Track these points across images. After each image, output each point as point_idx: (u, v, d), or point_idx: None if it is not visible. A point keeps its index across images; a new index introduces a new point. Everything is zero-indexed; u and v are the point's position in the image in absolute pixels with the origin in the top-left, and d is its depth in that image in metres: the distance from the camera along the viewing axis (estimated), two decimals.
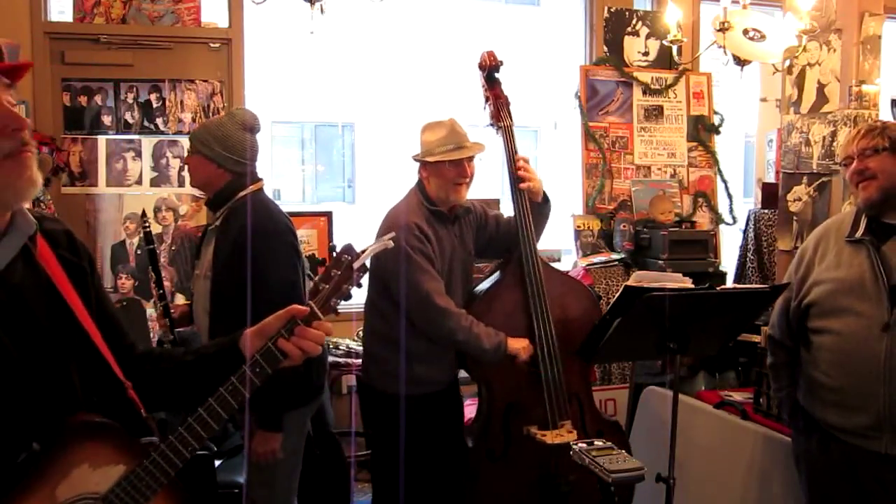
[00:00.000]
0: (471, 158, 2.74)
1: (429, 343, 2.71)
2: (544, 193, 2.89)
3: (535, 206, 2.84)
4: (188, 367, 1.48)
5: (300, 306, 1.41)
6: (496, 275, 2.90)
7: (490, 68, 2.87)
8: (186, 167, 2.81)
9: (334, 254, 1.46)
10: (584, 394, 2.87)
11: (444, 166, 2.70)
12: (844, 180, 3.49)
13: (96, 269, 1.48)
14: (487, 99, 2.87)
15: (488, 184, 3.45)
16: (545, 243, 4.62)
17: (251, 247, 2.42)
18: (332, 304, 1.43)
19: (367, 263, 1.46)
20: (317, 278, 1.44)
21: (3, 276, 1.26)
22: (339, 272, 1.43)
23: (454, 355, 2.82)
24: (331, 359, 3.84)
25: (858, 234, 2.25)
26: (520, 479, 2.74)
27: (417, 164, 2.81)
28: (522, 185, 2.79)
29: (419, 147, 2.78)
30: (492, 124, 2.87)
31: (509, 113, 2.84)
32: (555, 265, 4.35)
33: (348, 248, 1.45)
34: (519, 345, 2.68)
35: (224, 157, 2.56)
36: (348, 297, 1.45)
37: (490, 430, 2.79)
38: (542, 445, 2.66)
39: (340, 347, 3.93)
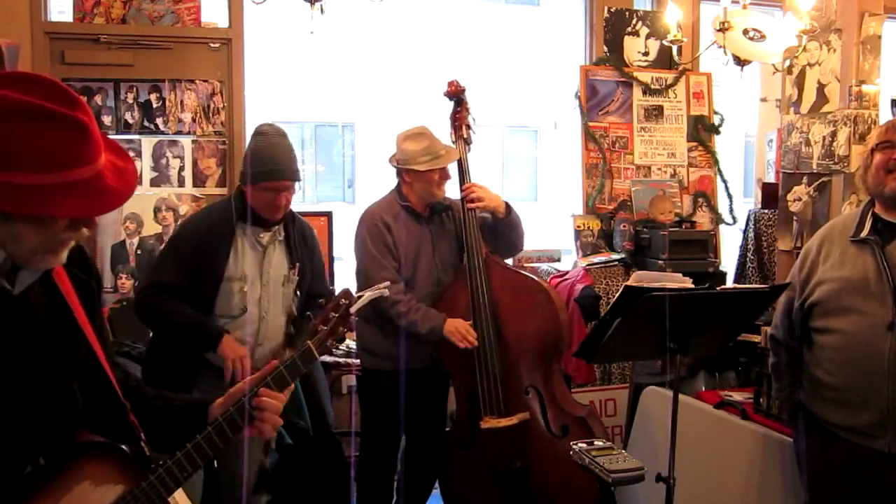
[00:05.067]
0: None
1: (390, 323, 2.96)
2: (506, 204, 3.11)
3: (499, 220, 3.10)
4: (154, 412, 1.51)
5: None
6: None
7: (456, 95, 3.13)
8: (286, 201, 2.77)
9: (332, 296, 1.50)
10: (545, 388, 2.98)
11: (430, 173, 3.00)
12: (845, 180, 3.51)
13: (102, 288, 1.51)
14: (453, 121, 3.13)
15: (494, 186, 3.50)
16: (545, 243, 4.67)
17: (313, 245, 2.89)
18: (328, 345, 1.48)
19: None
20: (316, 320, 1.47)
21: (21, 296, 1.30)
22: (337, 315, 1.47)
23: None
24: (331, 359, 3.84)
25: (863, 233, 2.25)
26: (482, 465, 2.99)
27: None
28: (470, 205, 3.04)
29: (400, 154, 3.04)
30: (454, 141, 3.13)
31: (468, 134, 3.12)
32: (555, 265, 4.40)
33: (346, 293, 1.50)
34: (451, 326, 2.91)
35: None
36: (343, 339, 1.50)
37: (460, 418, 3.07)
38: (479, 430, 2.92)
39: (340, 347, 3.92)
